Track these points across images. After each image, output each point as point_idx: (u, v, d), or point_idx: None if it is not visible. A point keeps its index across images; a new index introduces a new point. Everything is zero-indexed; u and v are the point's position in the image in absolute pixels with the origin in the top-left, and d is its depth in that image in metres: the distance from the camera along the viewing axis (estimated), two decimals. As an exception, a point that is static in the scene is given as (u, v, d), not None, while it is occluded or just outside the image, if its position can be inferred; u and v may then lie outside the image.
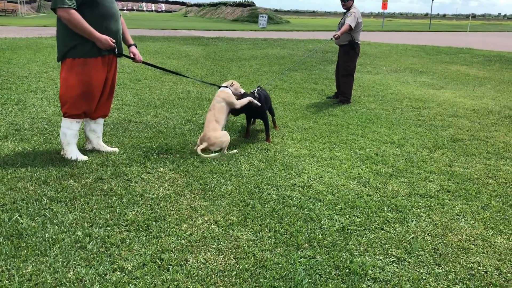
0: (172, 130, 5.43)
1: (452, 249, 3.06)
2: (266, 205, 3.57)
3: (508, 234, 3.30)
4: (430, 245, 3.09)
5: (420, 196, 3.90)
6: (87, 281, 2.48)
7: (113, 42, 4.08)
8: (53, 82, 7.82)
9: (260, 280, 2.59)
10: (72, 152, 4.25)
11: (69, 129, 4.20)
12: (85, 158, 4.28)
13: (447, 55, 15.38)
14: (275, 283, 2.57)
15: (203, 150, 4.60)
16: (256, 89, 5.36)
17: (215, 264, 2.74)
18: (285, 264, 2.77)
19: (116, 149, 4.60)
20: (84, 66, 4.04)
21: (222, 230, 3.14)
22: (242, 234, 3.10)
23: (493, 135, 5.85)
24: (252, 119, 5.53)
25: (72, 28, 3.89)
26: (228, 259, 2.80)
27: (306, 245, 3.02)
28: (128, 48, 4.52)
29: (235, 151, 4.78)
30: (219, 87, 5.12)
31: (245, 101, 5.00)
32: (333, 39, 7.22)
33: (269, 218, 3.34)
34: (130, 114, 6.10)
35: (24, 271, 2.53)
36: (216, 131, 4.68)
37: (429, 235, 3.23)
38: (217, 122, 4.75)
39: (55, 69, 8.98)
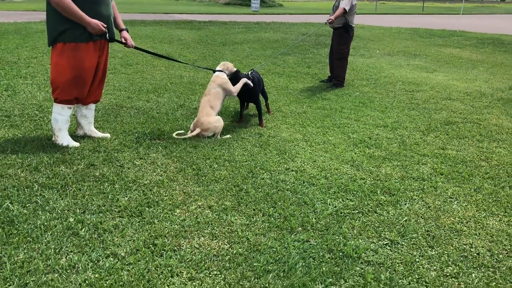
0: (164, 115, 5.38)
1: (444, 231, 3.08)
2: (260, 189, 3.56)
3: (500, 216, 3.32)
4: (423, 228, 3.10)
5: (413, 179, 3.91)
6: (80, 268, 2.47)
7: (104, 27, 4.01)
8: (43, 67, 7.71)
9: (254, 264, 2.60)
10: (64, 138, 4.21)
11: (61, 114, 4.14)
12: (76, 144, 4.23)
13: (440, 38, 15.33)
14: (269, 267, 2.58)
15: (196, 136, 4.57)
16: (250, 72, 5.31)
17: (209, 249, 2.73)
18: (279, 248, 2.77)
19: (107, 135, 4.55)
20: (75, 51, 3.97)
21: (216, 215, 3.13)
22: (235, 219, 3.09)
23: (485, 118, 5.86)
24: (245, 104, 5.50)
25: (62, 13, 3.82)
26: (222, 243, 2.80)
27: (300, 229, 3.02)
28: (119, 33, 4.44)
29: (228, 136, 4.75)
30: (214, 71, 5.06)
31: (239, 85, 4.96)
32: (327, 23, 7.14)
33: (263, 203, 3.34)
34: (122, 99, 6.04)
35: (16, 258, 2.51)
36: (210, 117, 4.64)
37: (422, 218, 3.25)
38: (212, 108, 4.71)
39: (45, 54, 8.85)
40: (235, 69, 5.13)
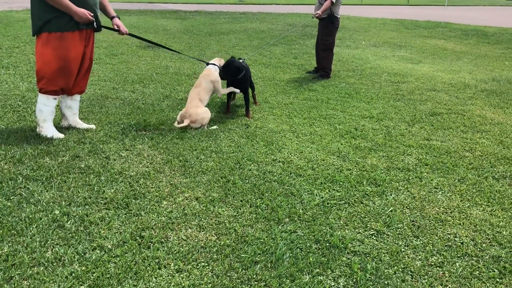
0: (150, 106, 5.34)
1: (429, 221, 3.12)
2: (247, 181, 3.56)
3: (483, 206, 3.37)
4: (408, 218, 3.14)
5: (398, 169, 3.94)
6: (66, 260, 2.45)
7: (91, 16, 3.95)
8: (25, 57, 7.56)
9: (242, 255, 2.60)
10: (48, 129, 4.14)
11: (46, 105, 4.08)
12: (61, 135, 4.18)
13: (425, 29, 15.43)
14: (257, 258, 2.59)
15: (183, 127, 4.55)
16: (242, 60, 5.31)
17: (196, 240, 2.73)
18: (266, 239, 2.78)
19: (93, 126, 4.50)
20: (61, 41, 3.91)
21: (203, 206, 3.13)
22: (223, 210, 3.09)
23: (469, 109, 5.93)
24: (232, 95, 5.47)
25: (48, 1, 3.74)
26: (209, 235, 2.80)
27: (287, 219, 3.03)
28: (111, 21, 4.39)
29: (215, 127, 4.73)
30: (207, 63, 5.04)
31: (227, 90, 5.02)
32: (314, 17, 7.15)
33: (250, 194, 3.34)
34: (107, 90, 5.96)
35: (0, 252, 2.48)
36: (198, 108, 4.63)
37: (408, 208, 3.29)
38: (201, 101, 4.70)
39: (28, 44, 8.68)
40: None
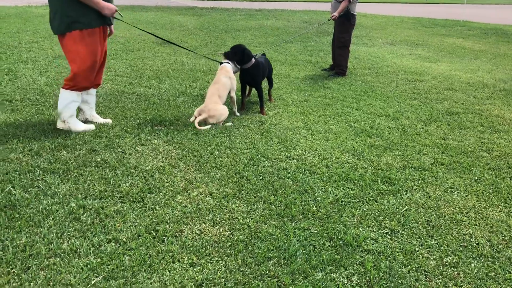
0: (165, 101, 5.37)
1: (445, 221, 3.09)
2: (261, 177, 3.57)
3: (500, 207, 3.33)
4: (423, 217, 3.12)
5: (414, 169, 3.91)
6: (82, 252, 2.49)
7: (116, 10, 4.06)
8: (44, 52, 7.67)
9: (255, 251, 2.61)
10: (77, 125, 4.20)
11: (75, 101, 4.14)
12: (92, 127, 4.29)
13: (443, 27, 15.24)
14: (270, 254, 2.59)
15: (199, 123, 4.57)
16: (258, 54, 5.34)
17: (210, 235, 2.75)
18: (279, 235, 2.79)
19: (109, 120, 4.55)
20: (92, 36, 3.97)
21: (217, 201, 3.14)
22: (236, 206, 3.11)
23: (487, 109, 5.85)
24: (246, 91, 5.47)
25: None
26: (223, 230, 2.81)
27: (300, 216, 3.03)
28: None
29: (229, 123, 4.75)
30: (221, 63, 5.09)
31: (233, 94, 5.02)
32: (331, 19, 7.15)
33: (264, 190, 3.35)
34: (123, 85, 6.02)
35: (18, 242, 2.53)
36: (217, 104, 4.65)
37: (423, 208, 3.26)
38: (219, 97, 4.72)
39: (46, 39, 8.80)
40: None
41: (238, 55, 5.03)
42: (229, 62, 5.05)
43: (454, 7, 27.18)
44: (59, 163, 3.53)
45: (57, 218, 2.79)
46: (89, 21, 3.92)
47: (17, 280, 2.25)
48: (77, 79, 4.03)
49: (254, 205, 3.14)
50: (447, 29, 14.76)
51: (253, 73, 5.14)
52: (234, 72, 5.08)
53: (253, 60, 5.12)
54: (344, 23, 7.23)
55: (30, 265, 2.36)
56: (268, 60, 5.68)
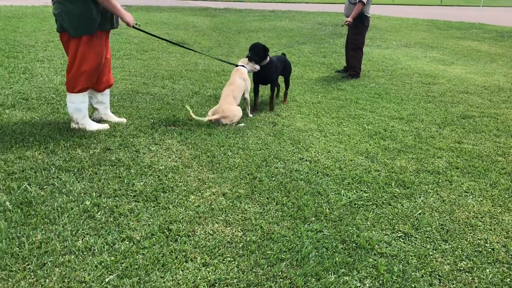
0: (179, 102, 5.40)
1: (459, 225, 3.06)
2: (274, 178, 3.57)
3: (516, 212, 3.28)
4: (437, 221, 3.09)
5: (428, 172, 3.88)
6: (96, 250, 2.51)
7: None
8: (60, 51, 7.75)
9: (267, 252, 2.61)
10: (91, 125, 4.26)
11: (83, 102, 4.18)
12: (106, 126, 4.34)
13: (458, 30, 15.09)
14: (282, 256, 2.59)
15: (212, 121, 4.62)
16: (280, 53, 5.51)
17: (222, 235, 2.75)
18: (292, 237, 2.78)
19: (123, 119, 4.59)
20: (99, 39, 4.04)
21: (230, 202, 3.15)
22: (249, 207, 3.11)
23: (503, 113, 5.78)
24: (259, 93, 5.48)
25: (101, 2, 3.86)
26: (235, 231, 2.82)
27: (313, 218, 3.02)
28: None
29: (242, 124, 4.75)
30: (236, 65, 5.13)
31: (247, 95, 5.03)
32: (345, 25, 7.17)
33: (276, 192, 3.35)
34: (137, 85, 6.06)
35: (34, 239, 2.56)
36: (232, 105, 4.68)
37: (437, 212, 3.23)
38: (234, 99, 4.75)
39: (62, 38, 8.90)
40: (258, 66, 5.14)
41: (260, 53, 5.07)
42: (244, 65, 5.06)
43: (469, 10, 26.90)
44: (74, 162, 3.56)
45: (72, 216, 2.82)
46: (101, 24, 4.00)
47: (32, 276, 2.28)
48: (80, 80, 4.06)
49: (266, 206, 3.14)
50: (462, 32, 14.61)
51: (269, 69, 5.19)
52: (250, 72, 5.10)
53: (268, 57, 5.18)
54: (358, 25, 7.20)
55: (45, 261, 2.39)
56: (288, 61, 5.69)
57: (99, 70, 4.17)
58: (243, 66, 5.05)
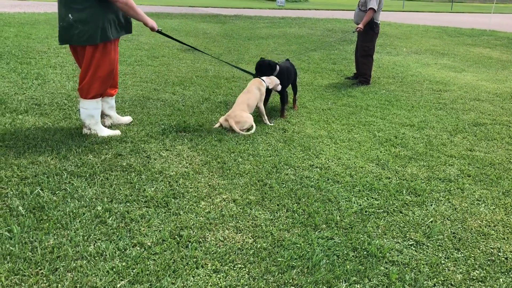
0: (190, 108, 5.43)
1: (471, 234, 3.03)
2: (284, 185, 3.56)
3: (529, 221, 3.25)
4: (449, 230, 3.06)
5: (439, 180, 3.85)
6: (108, 255, 2.52)
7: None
8: (71, 57, 7.82)
9: (278, 259, 2.61)
10: (103, 131, 4.30)
11: (96, 108, 4.23)
12: (118, 132, 4.38)
13: (469, 37, 15.01)
14: (293, 263, 2.58)
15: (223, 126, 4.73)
16: (283, 60, 5.68)
17: (233, 242, 2.75)
18: (302, 244, 2.77)
19: (129, 117, 4.76)
20: (114, 46, 4.13)
21: (240, 208, 3.15)
22: (260, 213, 3.11)
23: (515, 120, 5.72)
24: (267, 99, 5.51)
25: (126, 11, 3.98)
26: (246, 237, 2.81)
27: (324, 226, 3.01)
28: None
29: (252, 131, 4.76)
30: (254, 76, 5.24)
31: (261, 105, 5.06)
32: (355, 32, 7.18)
33: (287, 198, 3.34)
34: (148, 91, 6.10)
35: (46, 244, 2.58)
36: (244, 112, 4.71)
37: (448, 220, 3.20)
38: (248, 107, 4.81)
39: (74, 45, 8.99)
40: (279, 85, 5.24)
41: (266, 70, 5.18)
42: (264, 79, 5.11)
43: (480, 16, 26.77)
44: (86, 167, 3.59)
45: (84, 221, 2.84)
46: (116, 31, 4.08)
47: (45, 281, 2.29)
48: (95, 86, 4.10)
49: (277, 213, 3.14)
50: (473, 39, 14.53)
51: (280, 80, 5.24)
52: (272, 89, 5.21)
53: (278, 68, 5.24)
54: (368, 32, 7.19)
55: (57, 266, 2.40)
56: (293, 65, 5.72)
57: (113, 76, 4.23)
58: (263, 79, 5.09)
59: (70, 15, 3.88)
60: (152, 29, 4.30)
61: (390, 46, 12.02)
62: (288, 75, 5.40)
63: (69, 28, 3.92)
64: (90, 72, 4.05)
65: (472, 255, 2.79)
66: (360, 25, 6.98)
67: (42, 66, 7.06)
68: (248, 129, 4.75)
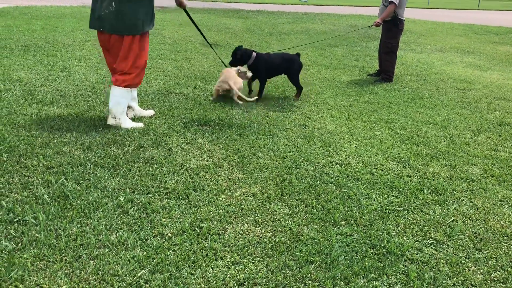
0: (211, 102, 5.46)
1: (493, 234, 2.99)
2: (303, 180, 3.57)
3: (554, 223, 3.18)
4: (470, 230, 3.03)
5: (461, 179, 3.80)
6: (129, 245, 2.57)
7: None
8: (96, 50, 7.96)
9: (296, 254, 2.62)
10: (127, 122, 4.38)
11: (125, 98, 4.33)
12: (141, 124, 4.45)
13: (496, 35, 14.68)
14: (311, 258, 2.59)
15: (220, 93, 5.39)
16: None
17: (252, 235, 2.77)
18: (321, 239, 2.78)
19: (151, 111, 4.85)
20: (147, 37, 4.32)
21: (259, 202, 3.17)
22: (279, 208, 3.12)
23: (542, 121, 5.60)
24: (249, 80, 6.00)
25: None
26: (264, 231, 2.83)
27: (343, 222, 3.01)
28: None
29: (254, 98, 5.37)
30: (226, 66, 5.89)
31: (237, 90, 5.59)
32: (373, 26, 7.14)
33: (306, 194, 3.35)
34: (171, 85, 6.16)
35: (70, 232, 2.65)
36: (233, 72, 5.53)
37: (470, 220, 3.16)
38: (236, 77, 5.57)
39: (98, 38, 9.13)
40: (250, 73, 5.77)
41: (241, 57, 5.68)
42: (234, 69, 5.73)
43: (508, 14, 26.14)
44: (109, 158, 3.66)
45: (106, 210, 2.90)
46: (150, 23, 4.25)
47: (69, 268, 2.35)
48: (131, 76, 4.25)
49: (296, 208, 3.15)
50: (501, 37, 14.21)
51: (256, 67, 5.73)
52: (243, 79, 5.72)
53: (254, 54, 5.72)
54: (392, 28, 7.11)
55: (81, 254, 2.46)
56: (294, 59, 5.90)
57: (146, 66, 4.40)
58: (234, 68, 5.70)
59: (113, 3, 4.01)
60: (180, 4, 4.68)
61: (414, 43, 11.86)
62: (271, 66, 5.77)
63: (111, 17, 4.04)
64: (129, 61, 4.19)
65: (494, 256, 2.76)
66: (379, 20, 6.91)
67: (67, 59, 7.19)
68: (248, 99, 5.47)
